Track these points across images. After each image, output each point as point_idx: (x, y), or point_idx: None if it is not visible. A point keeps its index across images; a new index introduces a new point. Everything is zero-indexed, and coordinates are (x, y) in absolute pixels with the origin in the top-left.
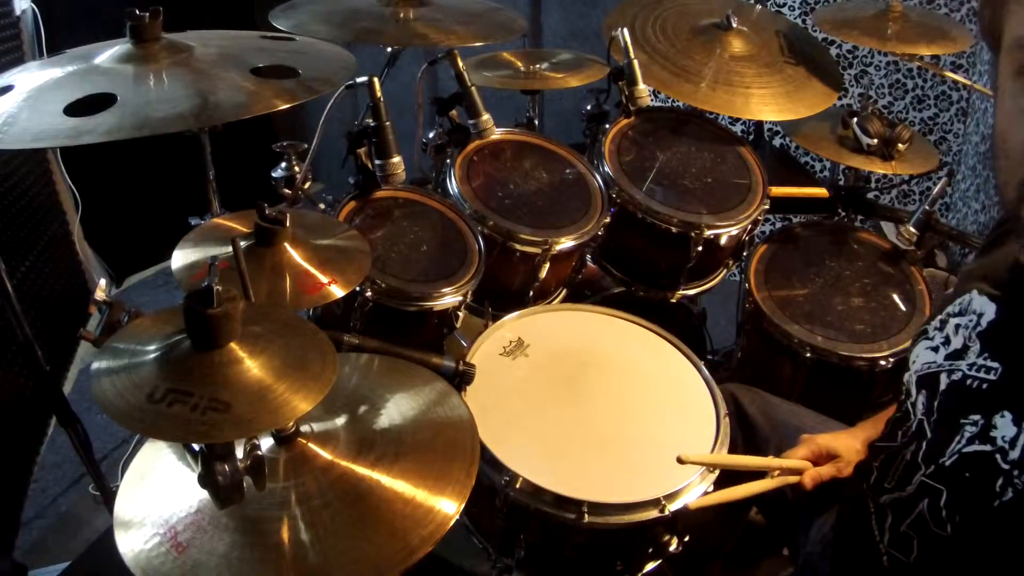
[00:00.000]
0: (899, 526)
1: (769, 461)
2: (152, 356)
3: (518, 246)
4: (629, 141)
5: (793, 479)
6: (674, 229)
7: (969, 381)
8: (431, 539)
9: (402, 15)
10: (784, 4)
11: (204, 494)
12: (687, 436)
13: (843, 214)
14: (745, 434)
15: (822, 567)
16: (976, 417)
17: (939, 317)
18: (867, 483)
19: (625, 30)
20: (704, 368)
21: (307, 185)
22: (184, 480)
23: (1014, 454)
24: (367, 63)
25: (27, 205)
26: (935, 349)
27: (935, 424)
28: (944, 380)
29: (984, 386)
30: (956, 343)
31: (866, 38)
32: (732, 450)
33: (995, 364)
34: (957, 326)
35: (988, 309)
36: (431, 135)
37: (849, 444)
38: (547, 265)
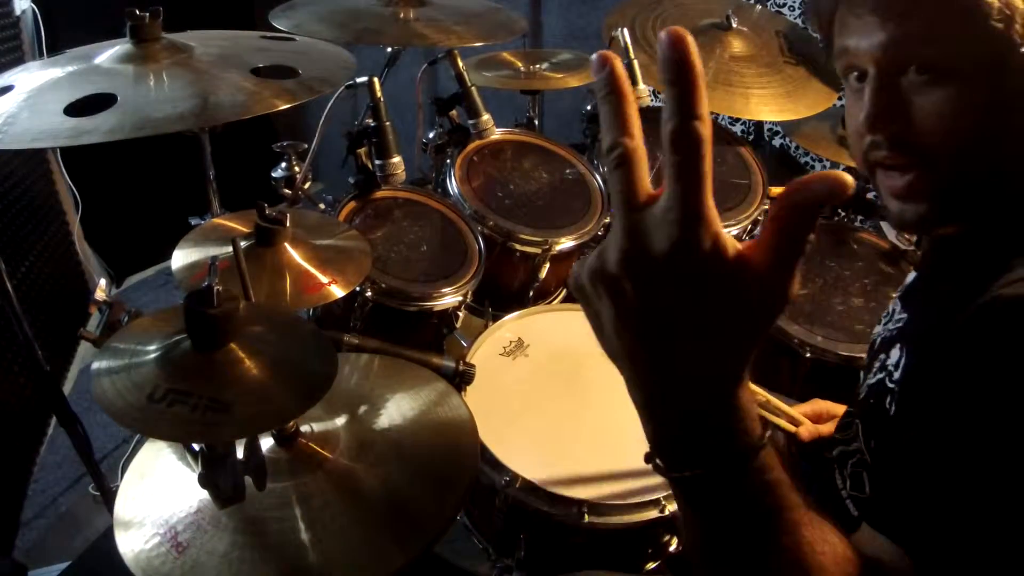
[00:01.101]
0: (845, 468)
1: (769, 397)
2: (152, 356)
3: (518, 246)
4: None
5: (788, 427)
6: None
7: (886, 333)
8: (431, 539)
9: (402, 15)
10: (784, 4)
11: (204, 494)
12: None
13: (843, 214)
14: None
15: None
16: (883, 356)
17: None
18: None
19: (625, 30)
20: None
21: (307, 185)
22: (184, 480)
23: (897, 374)
24: (367, 63)
25: (27, 205)
26: (881, 322)
27: (863, 375)
28: (877, 342)
29: (895, 332)
30: (891, 311)
31: None
32: None
33: (903, 314)
34: (896, 301)
35: (911, 277)
36: (431, 135)
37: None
38: (547, 265)
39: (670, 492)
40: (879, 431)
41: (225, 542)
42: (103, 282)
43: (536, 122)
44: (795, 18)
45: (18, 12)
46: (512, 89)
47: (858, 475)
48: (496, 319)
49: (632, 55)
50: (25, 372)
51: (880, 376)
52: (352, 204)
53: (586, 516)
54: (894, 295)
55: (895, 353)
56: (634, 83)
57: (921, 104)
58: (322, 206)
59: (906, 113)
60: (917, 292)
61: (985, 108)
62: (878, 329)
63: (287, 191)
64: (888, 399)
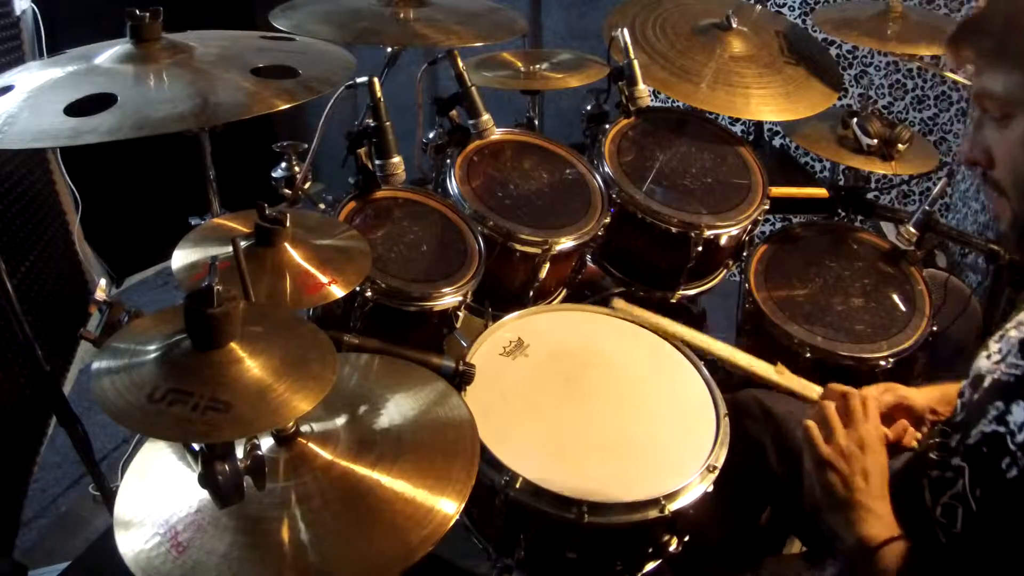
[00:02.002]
0: (942, 495)
1: (778, 377)
2: (152, 356)
3: (518, 246)
4: (629, 141)
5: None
6: (674, 229)
7: (1001, 375)
8: (431, 539)
9: (402, 15)
10: (784, 4)
11: (204, 494)
12: (687, 436)
13: (843, 214)
14: (774, 434)
15: None
16: (1000, 403)
17: (999, 332)
18: (923, 457)
19: (625, 30)
20: (704, 368)
21: (307, 185)
22: (184, 480)
23: (1020, 437)
24: (367, 63)
25: (27, 205)
26: (988, 357)
27: (969, 412)
28: (988, 380)
29: (1012, 380)
30: (1004, 351)
31: (866, 38)
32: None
33: (1022, 362)
34: (1010, 338)
35: None
36: (431, 135)
37: (930, 396)
38: (547, 265)
39: (670, 492)
40: (990, 486)
41: (225, 542)
42: (103, 282)
43: (536, 122)
44: (795, 18)
45: (18, 12)
46: (512, 89)
47: (953, 509)
48: (496, 319)
49: (632, 55)
50: (25, 372)
51: (997, 428)
52: (352, 204)
53: (586, 516)
54: (1011, 332)
55: (1018, 411)
56: (634, 83)
57: (996, 142)
58: (322, 206)
59: (989, 150)
60: None
61: None
62: (985, 364)
63: (287, 191)
64: (1007, 460)
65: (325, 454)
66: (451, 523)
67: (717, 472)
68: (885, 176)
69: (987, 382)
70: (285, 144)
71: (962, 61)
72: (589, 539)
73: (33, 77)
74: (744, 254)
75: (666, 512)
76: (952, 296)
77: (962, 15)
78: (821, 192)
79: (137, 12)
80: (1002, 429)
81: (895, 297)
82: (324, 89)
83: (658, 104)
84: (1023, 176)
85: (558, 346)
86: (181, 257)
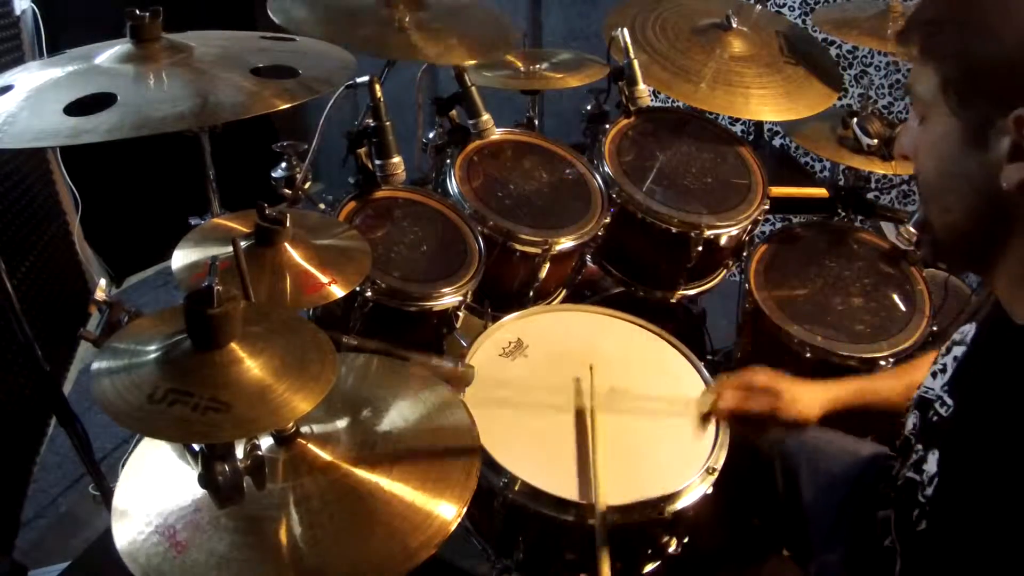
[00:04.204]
0: (886, 536)
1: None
2: (152, 356)
3: (518, 246)
4: (629, 141)
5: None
6: (674, 229)
7: (931, 413)
8: (431, 542)
9: (398, 18)
10: (784, 4)
11: (204, 494)
12: (687, 437)
13: (843, 214)
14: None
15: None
16: (920, 448)
17: (947, 343)
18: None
19: (625, 30)
20: (704, 368)
21: (307, 185)
22: (184, 480)
23: (928, 491)
24: (367, 63)
25: (27, 205)
26: (934, 375)
27: (906, 446)
28: (930, 407)
29: (936, 419)
30: (949, 371)
31: (866, 38)
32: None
33: (950, 401)
34: (955, 357)
35: (968, 341)
36: (431, 135)
37: (803, 391)
38: (547, 265)
39: (670, 493)
40: (906, 534)
41: (225, 542)
42: (103, 282)
43: (536, 122)
44: (795, 18)
45: (18, 12)
46: (512, 89)
47: (892, 553)
48: (496, 319)
49: (632, 55)
50: (25, 372)
51: (914, 476)
52: (352, 204)
53: (585, 518)
54: (955, 349)
55: (932, 461)
56: (634, 83)
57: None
58: (322, 206)
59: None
60: (967, 378)
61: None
62: (929, 379)
63: (287, 191)
64: (916, 512)
65: (325, 455)
66: (451, 528)
67: (717, 474)
68: (885, 176)
69: (930, 411)
70: (285, 144)
71: (911, 56)
72: (588, 541)
73: (33, 77)
74: (744, 254)
75: (665, 514)
76: (952, 296)
77: None
78: (821, 192)
79: (137, 12)
80: (917, 477)
81: (895, 297)
82: (324, 89)
83: (658, 104)
84: (929, 178)
85: (558, 346)
86: (181, 257)
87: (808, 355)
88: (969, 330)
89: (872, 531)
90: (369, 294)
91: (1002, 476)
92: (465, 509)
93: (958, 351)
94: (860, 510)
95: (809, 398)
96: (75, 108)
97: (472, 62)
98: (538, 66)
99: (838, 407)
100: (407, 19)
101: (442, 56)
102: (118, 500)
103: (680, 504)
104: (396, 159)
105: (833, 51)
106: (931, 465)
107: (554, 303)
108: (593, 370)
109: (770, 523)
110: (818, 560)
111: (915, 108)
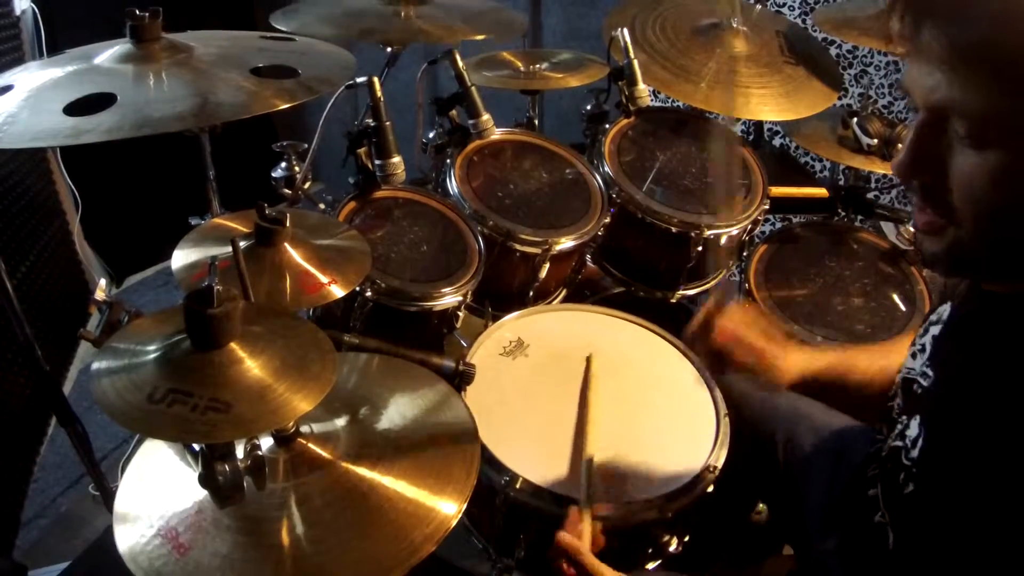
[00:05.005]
0: (875, 512)
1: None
2: (152, 356)
3: (518, 246)
4: (629, 141)
5: None
6: (674, 229)
7: (915, 385)
8: (432, 540)
9: (403, 14)
10: (784, 4)
11: (205, 495)
12: (687, 436)
13: (843, 214)
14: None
15: (832, 563)
16: (905, 417)
17: (924, 324)
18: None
19: (625, 30)
20: (704, 368)
21: (307, 185)
22: (184, 480)
23: (913, 453)
24: (367, 63)
25: (27, 205)
26: (914, 355)
27: (891, 424)
28: (913, 383)
29: (919, 390)
30: (928, 350)
31: (866, 38)
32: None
33: (931, 372)
34: (933, 336)
35: (945, 317)
36: (431, 135)
37: (785, 354)
38: (547, 265)
39: (669, 492)
40: (894, 504)
41: (227, 543)
42: (103, 282)
43: (536, 122)
44: (795, 18)
45: (18, 12)
46: (512, 89)
47: (883, 528)
48: (496, 319)
49: (632, 55)
50: (25, 372)
51: (897, 444)
52: (352, 204)
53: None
54: (932, 329)
55: (914, 425)
56: (634, 83)
57: (959, 164)
58: (322, 206)
59: (943, 168)
60: (946, 349)
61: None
62: (908, 359)
63: (287, 191)
64: (902, 475)
65: (325, 454)
66: (452, 524)
67: (717, 473)
68: (885, 176)
69: (900, 387)
70: (285, 144)
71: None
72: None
73: (33, 77)
74: (744, 254)
75: (666, 512)
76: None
77: None
78: (821, 192)
79: (137, 12)
80: (900, 443)
81: (895, 297)
82: (324, 89)
83: (658, 104)
84: (986, 210)
85: (558, 346)
86: (181, 257)
87: None
88: (945, 310)
89: (863, 511)
90: (369, 294)
91: (986, 433)
92: (466, 506)
93: (935, 330)
94: (850, 492)
95: (788, 363)
96: (75, 108)
97: (482, 36)
98: (538, 66)
99: (815, 373)
100: (411, 12)
101: (447, 36)
102: (120, 504)
103: (680, 503)
104: (396, 159)
105: (833, 51)
106: (913, 429)
107: (554, 303)
108: (593, 369)
109: (774, 506)
110: (815, 551)
111: (949, 124)
